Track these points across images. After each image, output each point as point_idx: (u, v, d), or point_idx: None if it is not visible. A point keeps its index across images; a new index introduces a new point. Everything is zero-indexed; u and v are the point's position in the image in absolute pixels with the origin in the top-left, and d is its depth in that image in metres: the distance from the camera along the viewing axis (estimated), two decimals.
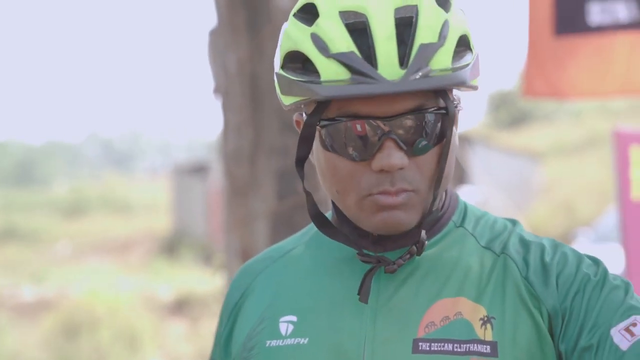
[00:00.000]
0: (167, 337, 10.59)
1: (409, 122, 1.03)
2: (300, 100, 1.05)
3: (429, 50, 1.01)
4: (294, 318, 1.13)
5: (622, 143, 3.01)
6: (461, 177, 16.75)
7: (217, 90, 3.33)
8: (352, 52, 1.01)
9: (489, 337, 1.05)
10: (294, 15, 1.08)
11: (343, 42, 1.01)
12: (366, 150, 1.04)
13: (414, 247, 1.09)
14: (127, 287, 12.86)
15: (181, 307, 12.25)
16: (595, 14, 3.04)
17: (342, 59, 1.00)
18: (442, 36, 1.02)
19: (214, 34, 3.34)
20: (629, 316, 1.01)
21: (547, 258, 1.10)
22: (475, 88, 1.08)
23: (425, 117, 1.04)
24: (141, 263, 17.12)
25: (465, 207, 1.20)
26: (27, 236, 21.46)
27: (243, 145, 3.18)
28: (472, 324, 1.06)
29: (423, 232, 1.09)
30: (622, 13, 2.99)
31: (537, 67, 3.17)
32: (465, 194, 15.53)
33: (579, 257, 1.11)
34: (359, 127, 1.04)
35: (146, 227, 21.36)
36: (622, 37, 3.02)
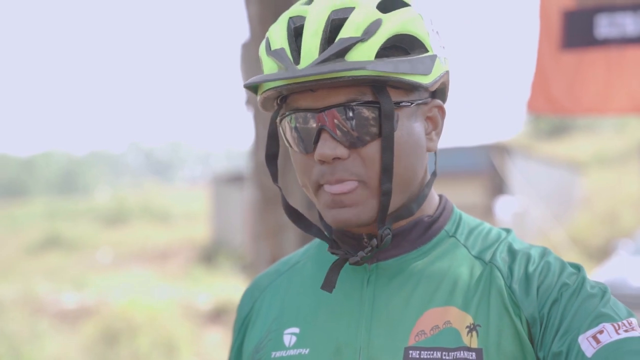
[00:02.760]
0: (205, 345, 10.67)
1: (340, 114, 1.07)
2: (259, 95, 1.14)
3: (346, 42, 1.05)
4: (297, 330, 1.19)
5: None
6: (500, 188, 16.61)
7: (248, 102, 3.39)
8: (282, 49, 1.09)
9: (474, 344, 1.08)
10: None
11: (279, 40, 1.10)
12: (308, 142, 1.10)
13: (374, 241, 1.12)
14: (166, 295, 12.99)
15: (219, 315, 12.33)
16: (603, 27, 2.98)
17: (273, 55, 1.10)
18: (367, 32, 1.06)
19: (245, 46, 3.40)
20: (598, 324, 1.03)
21: (531, 268, 1.13)
22: (413, 84, 1.08)
23: (357, 110, 1.07)
24: (180, 271, 17.26)
25: (460, 217, 1.23)
26: (70, 244, 21.79)
27: None
28: (460, 332, 1.10)
29: (383, 229, 1.12)
30: (630, 27, 2.92)
31: (542, 83, 3.12)
32: (504, 204, 15.39)
33: (562, 266, 1.13)
34: (296, 119, 1.10)
35: (185, 236, 21.55)
36: (630, 52, 2.95)
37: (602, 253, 14.48)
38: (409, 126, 1.12)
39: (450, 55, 1.19)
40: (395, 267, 1.17)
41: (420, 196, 1.18)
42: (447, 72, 1.16)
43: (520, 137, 34.46)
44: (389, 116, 1.08)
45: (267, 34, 1.13)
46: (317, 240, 1.30)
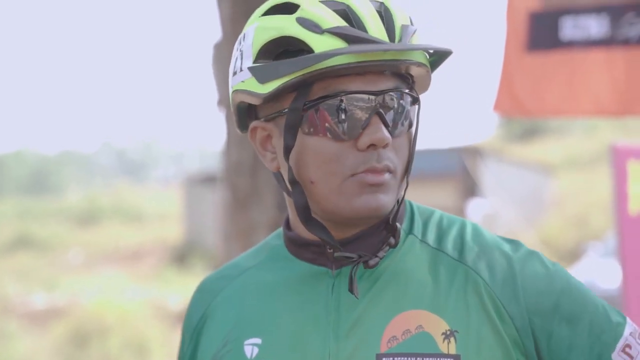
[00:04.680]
0: (176, 346, 10.60)
1: (393, 100, 1.08)
2: (288, 81, 1.04)
3: (410, 30, 1.08)
4: (258, 340, 1.13)
5: (620, 158, 3.03)
6: (472, 190, 16.70)
7: (221, 103, 3.39)
8: (346, 26, 1.04)
9: (452, 350, 1.05)
10: (264, 14, 1.11)
11: (334, 19, 1.05)
12: (354, 127, 1.06)
13: (392, 239, 1.11)
14: (137, 296, 12.92)
15: None
16: (568, 29, 2.99)
17: (337, 31, 1.04)
18: (413, 23, 1.11)
19: (218, 47, 3.40)
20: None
21: (516, 266, 1.11)
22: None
23: (405, 97, 1.09)
24: (152, 272, 17.16)
25: (412, 211, 1.19)
26: (40, 244, 21.55)
27: (245, 157, 3.22)
28: (434, 337, 1.06)
29: (397, 224, 1.11)
30: (594, 29, 2.95)
31: (508, 84, 3.13)
32: (476, 206, 15.50)
33: (555, 269, 1.14)
34: (349, 103, 1.05)
35: (157, 236, 21.42)
36: (593, 54, 2.98)
37: (572, 255, 14.62)
38: None
39: None
40: (359, 271, 1.11)
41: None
42: None
43: (492, 140, 34.66)
44: (419, 106, 1.12)
45: (300, 15, 1.06)
46: (267, 244, 1.24)
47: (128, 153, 75.16)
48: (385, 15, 1.07)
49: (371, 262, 1.09)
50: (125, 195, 28.73)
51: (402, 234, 1.15)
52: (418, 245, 1.14)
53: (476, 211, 15.12)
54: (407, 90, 1.09)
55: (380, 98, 1.06)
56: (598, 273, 9.22)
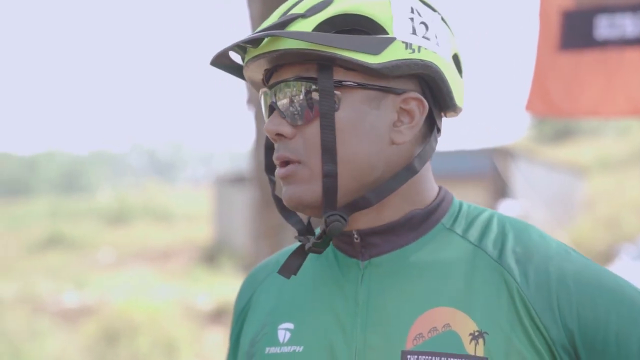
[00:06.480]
0: (205, 345, 10.67)
1: (283, 89, 1.08)
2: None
3: (286, 17, 1.06)
4: (291, 325, 1.14)
5: None
6: (503, 191, 16.60)
7: (250, 102, 3.39)
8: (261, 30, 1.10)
9: (480, 352, 1.03)
10: None
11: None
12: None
13: (322, 226, 1.09)
14: (167, 295, 13.00)
15: (220, 316, 12.33)
16: (603, 28, 2.94)
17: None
18: (311, 9, 1.06)
19: None
20: None
21: (552, 274, 1.06)
22: (351, 62, 1.04)
23: (297, 85, 1.07)
24: (181, 272, 17.27)
25: (460, 208, 1.15)
26: (71, 243, 21.80)
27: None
28: (461, 337, 1.04)
29: (328, 214, 1.06)
30: (630, 27, 2.89)
31: (540, 84, 3.08)
32: (506, 207, 15.39)
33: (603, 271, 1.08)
34: (261, 97, 1.14)
35: (187, 236, 21.56)
36: (629, 54, 2.90)
37: (605, 258, 14.44)
38: (362, 110, 1.07)
39: (443, 51, 1.10)
40: (389, 263, 1.10)
41: (383, 188, 1.08)
42: (427, 64, 1.07)
43: (523, 141, 34.42)
44: (325, 93, 1.05)
45: None
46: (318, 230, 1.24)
47: (158, 153, 75.74)
48: (291, 8, 1.09)
49: (306, 247, 1.09)
50: (155, 196, 28.96)
51: (440, 227, 1.12)
52: (457, 241, 1.11)
53: (507, 212, 15.02)
54: (301, 77, 1.06)
55: (275, 89, 1.09)
56: (631, 276, 9.10)
